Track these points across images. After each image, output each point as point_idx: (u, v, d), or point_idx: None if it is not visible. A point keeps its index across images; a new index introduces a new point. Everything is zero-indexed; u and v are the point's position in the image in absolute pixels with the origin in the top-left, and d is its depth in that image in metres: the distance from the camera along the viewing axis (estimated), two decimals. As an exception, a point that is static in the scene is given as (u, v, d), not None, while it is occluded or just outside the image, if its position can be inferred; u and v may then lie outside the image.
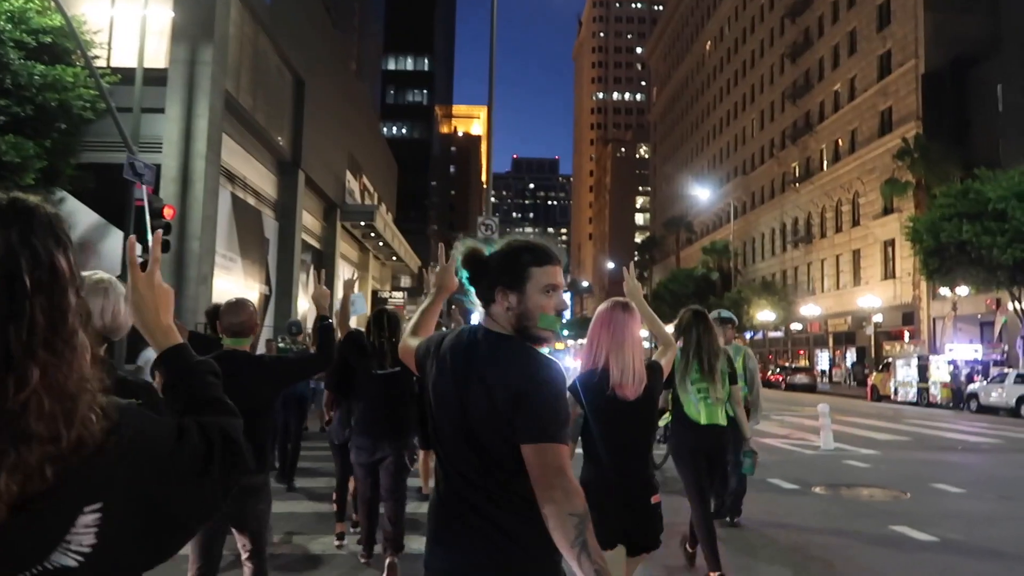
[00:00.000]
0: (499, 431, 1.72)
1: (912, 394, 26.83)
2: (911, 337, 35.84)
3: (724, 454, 5.04)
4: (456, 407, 1.80)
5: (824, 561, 5.60)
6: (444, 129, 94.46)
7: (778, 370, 41.25)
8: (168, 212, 12.83)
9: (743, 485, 6.65)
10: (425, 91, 79.68)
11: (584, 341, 3.56)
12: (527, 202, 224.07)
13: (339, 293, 5.75)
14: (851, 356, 42.76)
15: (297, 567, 5.23)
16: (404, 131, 76.51)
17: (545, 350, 1.86)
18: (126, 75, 13.82)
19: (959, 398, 24.64)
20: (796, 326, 48.44)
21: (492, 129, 16.94)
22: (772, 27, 56.13)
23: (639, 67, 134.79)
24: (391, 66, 77.41)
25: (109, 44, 15.80)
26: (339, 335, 4.58)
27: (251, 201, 21.36)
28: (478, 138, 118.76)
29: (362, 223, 31.48)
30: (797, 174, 50.46)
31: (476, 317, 2.06)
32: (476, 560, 1.75)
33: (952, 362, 26.02)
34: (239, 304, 3.48)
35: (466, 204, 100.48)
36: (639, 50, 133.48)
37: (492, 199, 16.71)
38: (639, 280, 3.27)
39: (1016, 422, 19.66)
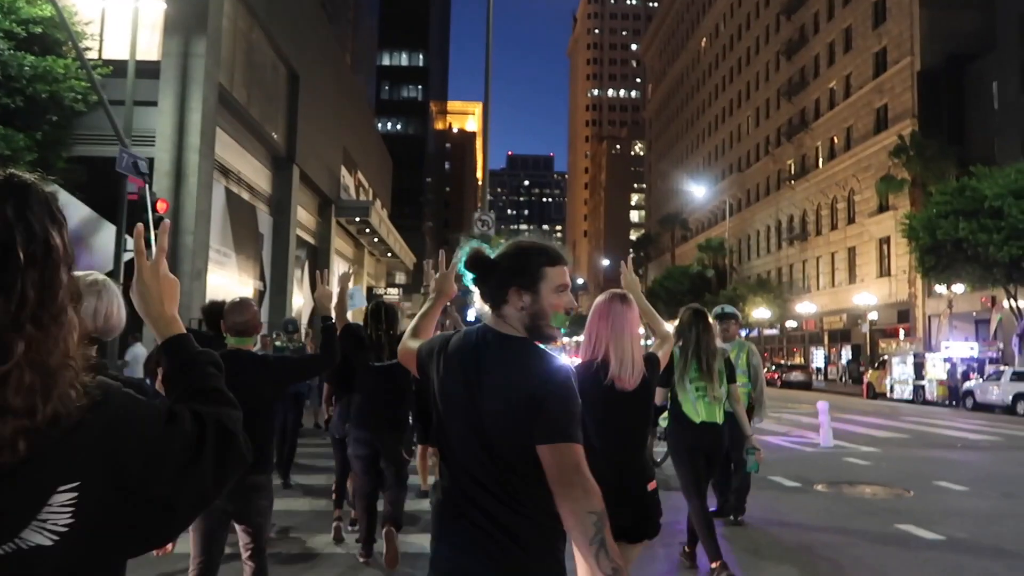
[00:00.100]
0: (511, 432, 1.73)
1: (908, 391, 26.90)
2: (906, 335, 35.89)
3: (722, 452, 5.08)
4: (466, 409, 1.80)
5: (832, 561, 5.51)
6: (439, 125, 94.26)
7: (773, 367, 41.27)
8: (161, 206, 12.66)
9: (747, 483, 6.56)
10: (420, 87, 79.50)
11: (578, 339, 3.52)
12: (522, 199, 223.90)
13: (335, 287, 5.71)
14: (846, 354, 42.84)
15: (295, 565, 5.14)
16: (399, 127, 76.32)
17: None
18: (118, 67, 13.65)
19: (955, 395, 24.70)
20: (791, 323, 48.52)
21: (488, 126, 16.82)
22: (767, 24, 56.15)
23: (634, 64, 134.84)
24: (386, 62, 77.19)
25: (101, 35, 15.62)
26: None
27: (245, 196, 21.18)
28: (473, 134, 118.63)
29: (357, 219, 31.38)
30: (792, 171, 50.49)
31: (472, 315, 2.02)
32: (483, 563, 1.75)
33: (948, 360, 26.05)
34: (243, 304, 3.51)
35: (461, 200, 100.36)
36: (634, 47, 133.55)
37: (487, 196, 16.62)
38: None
39: (1013, 419, 19.68)
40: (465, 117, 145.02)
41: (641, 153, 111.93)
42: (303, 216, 26.34)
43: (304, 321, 19.65)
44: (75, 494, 0.94)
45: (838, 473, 9.48)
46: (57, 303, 0.97)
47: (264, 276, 22.67)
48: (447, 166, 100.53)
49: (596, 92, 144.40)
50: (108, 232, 13.98)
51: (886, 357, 30.43)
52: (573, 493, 1.65)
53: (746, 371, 6.65)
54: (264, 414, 3.32)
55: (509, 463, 1.74)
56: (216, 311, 4.76)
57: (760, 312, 45.30)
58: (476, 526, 1.76)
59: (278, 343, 10.11)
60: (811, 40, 48.52)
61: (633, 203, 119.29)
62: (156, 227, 11.64)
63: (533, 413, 1.70)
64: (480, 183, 17.92)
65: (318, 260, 27.78)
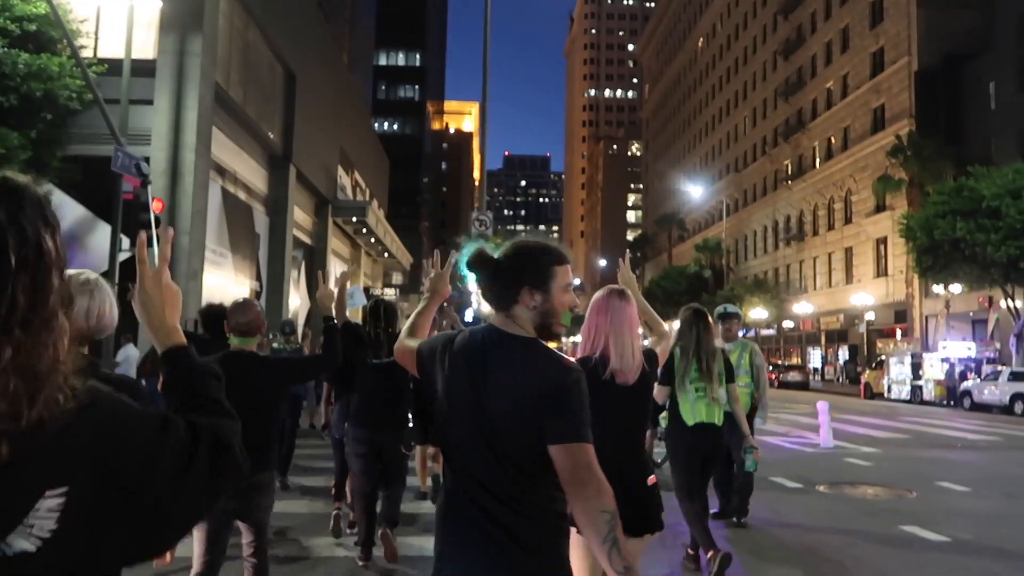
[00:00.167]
0: (519, 432, 1.73)
1: (906, 392, 26.90)
2: (904, 335, 35.91)
3: (720, 453, 5.09)
4: (472, 408, 1.80)
5: (836, 562, 5.46)
6: (436, 125, 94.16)
7: (771, 368, 41.27)
8: (156, 206, 12.57)
9: (750, 484, 6.50)
10: (417, 87, 79.37)
11: (575, 339, 3.51)
12: (519, 199, 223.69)
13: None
14: (843, 354, 42.84)
15: (293, 564, 5.09)
16: (396, 127, 76.18)
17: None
18: (113, 65, 13.54)
19: (953, 396, 24.71)
20: (788, 324, 48.55)
21: (486, 126, 16.75)
22: (764, 24, 56.16)
23: (631, 64, 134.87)
24: (383, 61, 77.06)
25: (96, 33, 15.51)
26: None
27: (242, 196, 21.08)
28: (470, 135, 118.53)
29: (354, 219, 31.26)
30: (789, 171, 50.50)
31: (470, 316, 1.98)
32: (485, 563, 1.74)
33: (946, 360, 26.06)
34: (246, 304, 3.50)
35: (458, 201, 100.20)
36: (631, 47, 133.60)
37: (485, 196, 16.55)
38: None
39: (1011, 419, 19.68)
40: (462, 117, 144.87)
41: (638, 153, 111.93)
42: (299, 216, 26.23)
43: (301, 322, 19.56)
44: (62, 500, 0.93)
45: (839, 474, 9.44)
46: (48, 308, 0.97)
47: (260, 276, 22.56)
48: (444, 166, 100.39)
49: (593, 92, 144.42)
50: (103, 231, 13.89)
51: (883, 357, 30.43)
52: (586, 492, 1.67)
53: (749, 371, 6.59)
54: (267, 414, 3.32)
55: (516, 463, 1.74)
56: (214, 314, 4.73)
57: (757, 312, 45.29)
58: (484, 532, 1.75)
59: (275, 344, 10.02)
60: (808, 40, 48.54)
61: (630, 203, 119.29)
62: (155, 226, 11.52)
63: (544, 413, 1.70)
64: (477, 183, 17.85)
65: (314, 260, 27.69)
